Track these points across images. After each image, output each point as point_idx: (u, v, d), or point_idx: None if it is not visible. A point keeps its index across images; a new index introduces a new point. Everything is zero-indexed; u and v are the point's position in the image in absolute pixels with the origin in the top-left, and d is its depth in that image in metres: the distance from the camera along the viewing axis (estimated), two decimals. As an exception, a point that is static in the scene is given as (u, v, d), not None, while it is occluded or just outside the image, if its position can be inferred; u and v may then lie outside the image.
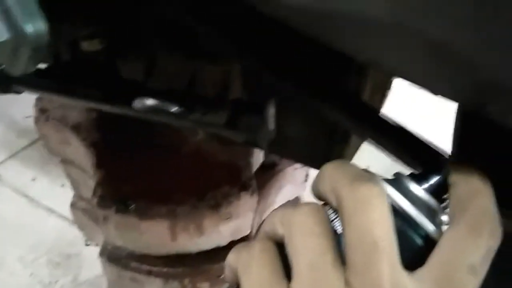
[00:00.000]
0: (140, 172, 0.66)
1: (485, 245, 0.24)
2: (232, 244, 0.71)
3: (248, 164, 0.68)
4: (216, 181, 0.64)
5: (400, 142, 0.40)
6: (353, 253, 0.23)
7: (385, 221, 0.23)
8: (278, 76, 0.42)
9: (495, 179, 0.28)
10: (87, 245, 1.05)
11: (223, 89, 0.54)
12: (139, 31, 0.47)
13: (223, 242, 0.69)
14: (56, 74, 0.47)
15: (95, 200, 0.63)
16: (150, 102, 0.36)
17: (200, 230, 0.63)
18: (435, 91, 0.28)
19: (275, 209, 0.26)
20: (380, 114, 0.46)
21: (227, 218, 0.64)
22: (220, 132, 0.40)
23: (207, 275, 0.70)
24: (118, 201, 0.61)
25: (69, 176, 0.91)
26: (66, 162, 0.88)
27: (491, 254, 0.24)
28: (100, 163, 0.66)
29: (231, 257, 0.27)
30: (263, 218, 0.83)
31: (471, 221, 0.24)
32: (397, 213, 0.25)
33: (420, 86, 0.30)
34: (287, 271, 0.24)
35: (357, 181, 0.24)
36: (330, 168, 0.26)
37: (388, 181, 0.26)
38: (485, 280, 0.24)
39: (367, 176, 0.25)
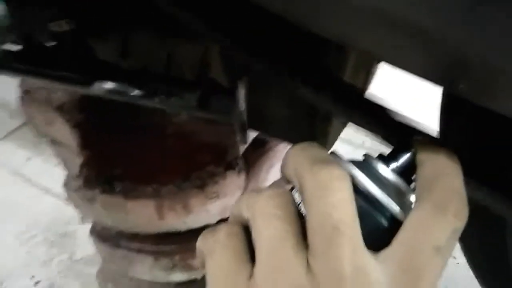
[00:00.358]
0: (125, 152, 0.65)
1: (450, 226, 0.23)
2: (221, 223, 0.71)
3: (234, 143, 0.68)
4: (201, 161, 0.64)
5: (377, 121, 0.40)
6: (314, 237, 0.23)
7: (346, 204, 0.23)
8: (253, 55, 0.41)
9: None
10: (82, 223, 1.06)
11: (202, 68, 0.53)
12: (110, 10, 0.45)
13: (212, 220, 0.70)
14: (30, 56, 0.46)
15: (80, 181, 0.63)
16: (108, 85, 0.35)
17: (187, 210, 0.64)
18: (407, 69, 0.28)
19: (245, 193, 0.26)
20: (360, 93, 0.46)
21: (214, 198, 0.64)
22: (192, 113, 0.39)
23: (197, 253, 0.70)
24: (103, 181, 0.61)
25: (58, 156, 0.91)
26: (54, 142, 0.87)
27: (457, 235, 0.24)
28: (85, 144, 0.66)
29: (199, 241, 0.26)
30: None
31: (436, 201, 0.24)
32: (362, 195, 0.24)
33: (392, 65, 0.30)
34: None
35: (318, 164, 0.24)
36: (294, 150, 0.26)
37: (355, 163, 0.26)
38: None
39: (330, 159, 0.25)
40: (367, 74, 0.58)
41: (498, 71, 0.20)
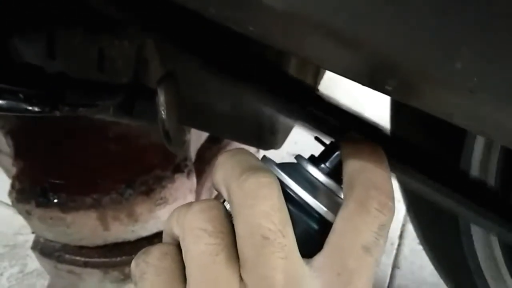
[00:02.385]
0: (63, 160, 0.60)
1: (375, 222, 0.22)
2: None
3: (183, 143, 0.64)
4: (147, 165, 0.60)
5: (320, 120, 0.37)
6: (244, 249, 0.22)
7: (276, 211, 0.22)
8: (183, 52, 0.37)
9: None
10: (33, 233, 1.00)
11: (138, 66, 0.49)
12: (31, 6, 0.41)
13: (163, 226, 0.66)
14: None
15: (13, 195, 0.58)
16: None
17: (133, 218, 0.59)
18: (334, 70, 0.26)
19: (176, 208, 0.25)
20: (304, 89, 0.43)
21: (163, 203, 0.61)
22: (116, 119, 0.35)
23: (150, 261, 0.67)
24: (38, 194, 0.56)
25: (1, 164, 0.85)
26: (-6, 150, 0.81)
27: (385, 230, 0.23)
28: (18, 153, 0.61)
29: (132, 265, 0.25)
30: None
31: (358, 198, 0.23)
32: (292, 200, 0.24)
33: (321, 66, 0.28)
34: None
35: (245, 173, 0.22)
36: (221, 158, 0.25)
37: (285, 167, 0.25)
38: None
39: (258, 165, 0.23)
40: (317, 70, 0.55)
41: (418, 71, 0.18)
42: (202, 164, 0.75)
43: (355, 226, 0.22)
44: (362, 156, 0.24)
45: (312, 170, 0.25)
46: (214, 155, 0.79)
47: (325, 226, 0.23)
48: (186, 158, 0.63)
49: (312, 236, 0.24)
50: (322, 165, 0.26)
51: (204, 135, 0.77)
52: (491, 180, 0.38)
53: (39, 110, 0.30)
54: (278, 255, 0.21)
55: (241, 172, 0.23)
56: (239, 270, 0.22)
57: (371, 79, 0.22)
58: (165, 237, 0.26)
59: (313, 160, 0.26)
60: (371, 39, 0.18)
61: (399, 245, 1.04)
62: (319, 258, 0.23)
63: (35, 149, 0.61)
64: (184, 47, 0.39)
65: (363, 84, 0.23)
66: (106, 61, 0.48)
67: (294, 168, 0.25)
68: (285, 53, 0.44)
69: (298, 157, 0.26)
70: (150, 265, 0.23)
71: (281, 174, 0.24)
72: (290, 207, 0.23)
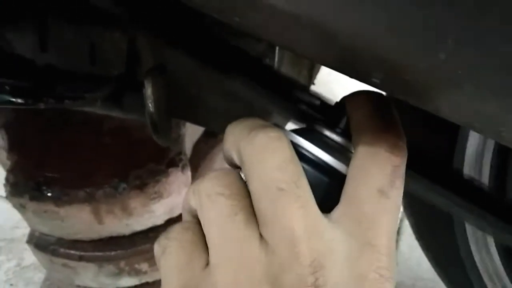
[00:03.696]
0: (57, 154, 0.60)
1: (387, 164, 0.22)
2: (170, 222, 0.67)
3: (178, 137, 0.63)
4: (141, 159, 0.59)
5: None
6: (260, 204, 0.21)
7: (288, 163, 0.21)
8: (174, 45, 0.36)
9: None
10: (31, 227, 1.00)
11: (131, 59, 0.48)
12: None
13: (159, 221, 0.65)
14: None
15: (7, 189, 0.57)
16: None
17: (127, 212, 0.59)
18: (323, 63, 0.26)
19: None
20: (293, 85, 0.42)
21: (157, 197, 0.60)
22: (104, 111, 0.35)
23: (145, 256, 0.66)
24: (31, 187, 0.56)
25: (-3, 158, 0.85)
26: (-10, 143, 0.81)
27: (399, 172, 0.22)
28: (12, 147, 0.60)
29: (154, 246, 0.24)
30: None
31: (366, 144, 0.22)
32: (305, 158, 0.23)
33: (309, 59, 0.27)
34: None
35: (254, 131, 0.22)
36: (231, 126, 0.24)
37: (295, 130, 0.25)
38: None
39: (267, 124, 0.23)
40: (310, 69, 0.54)
41: (402, 63, 0.17)
42: (198, 159, 0.74)
43: (367, 171, 0.22)
44: (367, 104, 0.24)
45: (322, 129, 0.25)
46: (209, 150, 0.79)
47: (341, 180, 0.23)
48: (180, 153, 0.62)
49: (329, 192, 0.23)
50: (331, 124, 0.25)
51: (200, 130, 0.76)
52: (485, 179, 0.37)
53: (22, 102, 0.29)
54: (295, 205, 0.20)
55: (250, 131, 0.22)
56: (259, 229, 0.21)
57: (357, 71, 0.21)
58: (184, 216, 0.25)
59: (322, 121, 0.26)
60: (352, 30, 0.18)
61: (396, 241, 1.04)
62: (337, 210, 0.22)
63: (29, 143, 0.61)
64: (174, 40, 0.39)
65: (351, 77, 0.22)
66: (97, 54, 0.48)
67: (303, 130, 0.25)
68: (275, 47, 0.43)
69: (307, 122, 0.26)
70: (172, 239, 0.23)
71: (291, 135, 0.24)
72: (304, 165, 0.22)
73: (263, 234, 0.21)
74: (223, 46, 0.38)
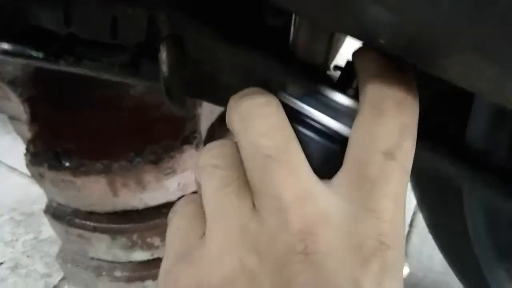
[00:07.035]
0: (76, 127, 0.62)
1: (394, 123, 0.20)
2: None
3: (194, 116, 0.65)
4: (157, 135, 0.61)
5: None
6: (249, 172, 0.21)
7: (276, 129, 0.20)
8: (194, 20, 0.37)
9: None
10: (49, 202, 1.04)
11: (151, 34, 0.49)
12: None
13: (172, 197, 0.67)
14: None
15: (28, 158, 0.60)
16: (5, 46, 0.32)
17: (141, 186, 0.61)
18: (331, 27, 0.26)
19: None
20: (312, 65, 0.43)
21: (170, 173, 0.62)
22: (120, 78, 0.36)
23: (157, 230, 0.68)
24: (50, 157, 0.58)
25: (18, 132, 0.88)
26: (13, 118, 0.84)
27: (409, 133, 0.21)
28: (34, 119, 0.63)
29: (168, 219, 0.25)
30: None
31: (371, 102, 0.21)
32: (304, 122, 0.22)
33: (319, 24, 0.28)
34: None
35: (242, 98, 0.21)
36: (233, 97, 0.23)
37: (297, 96, 0.23)
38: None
39: (256, 91, 0.22)
40: (330, 40, 0.54)
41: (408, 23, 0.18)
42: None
43: (371, 132, 0.20)
44: (374, 59, 0.22)
45: (328, 91, 0.23)
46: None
47: (345, 144, 0.21)
48: (195, 131, 0.64)
49: (330, 157, 0.22)
50: (342, 86, 0.24)
51: (215, 113, 0.78)
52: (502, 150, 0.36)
53: (43, 57, 0.31)
54: (283, 172, 0.19)
55: (239, 99, 0.22)
56: (252, 199, 0.21)
57: (365, 33, 0.22)
58: (197, 188, 0.25)
59: (331, 83, 0.24)
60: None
61: (408, 233, 1.04)
62: (338, 175, 0.21)
63: (50, 116, 0.63)
64: (192, 15, 0.40)
65: (355, 38, 0.23)
66: (119, 29, 0.49)
67: (307, 94, 0.24)
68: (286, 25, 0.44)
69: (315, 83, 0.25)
70: (175, 211, 0.24)
71: (290, 100, 0.23)
72: (303, 130, 0.22)
73: (255, 203, 0.20)
74: (241, 21, 0.38)
